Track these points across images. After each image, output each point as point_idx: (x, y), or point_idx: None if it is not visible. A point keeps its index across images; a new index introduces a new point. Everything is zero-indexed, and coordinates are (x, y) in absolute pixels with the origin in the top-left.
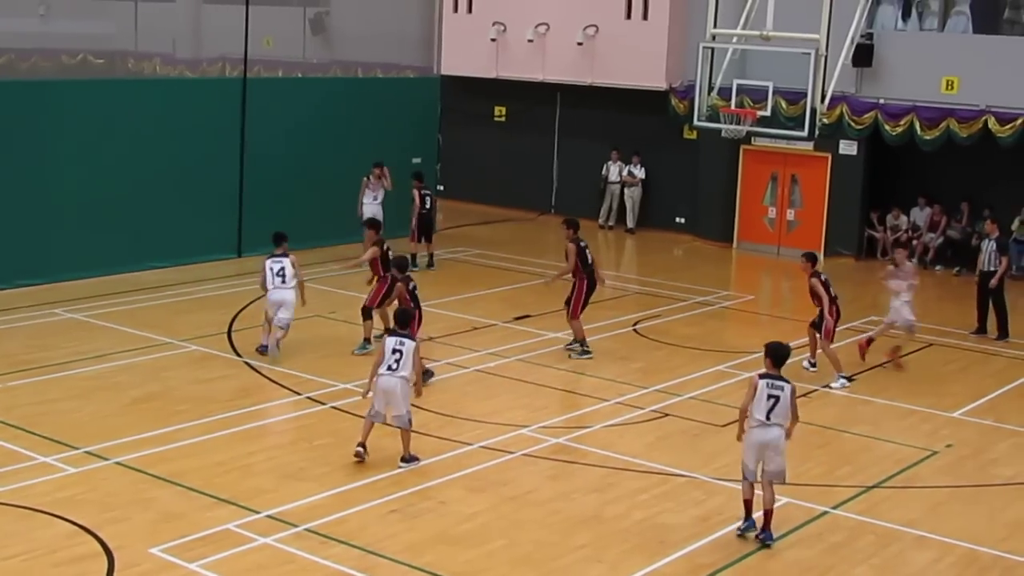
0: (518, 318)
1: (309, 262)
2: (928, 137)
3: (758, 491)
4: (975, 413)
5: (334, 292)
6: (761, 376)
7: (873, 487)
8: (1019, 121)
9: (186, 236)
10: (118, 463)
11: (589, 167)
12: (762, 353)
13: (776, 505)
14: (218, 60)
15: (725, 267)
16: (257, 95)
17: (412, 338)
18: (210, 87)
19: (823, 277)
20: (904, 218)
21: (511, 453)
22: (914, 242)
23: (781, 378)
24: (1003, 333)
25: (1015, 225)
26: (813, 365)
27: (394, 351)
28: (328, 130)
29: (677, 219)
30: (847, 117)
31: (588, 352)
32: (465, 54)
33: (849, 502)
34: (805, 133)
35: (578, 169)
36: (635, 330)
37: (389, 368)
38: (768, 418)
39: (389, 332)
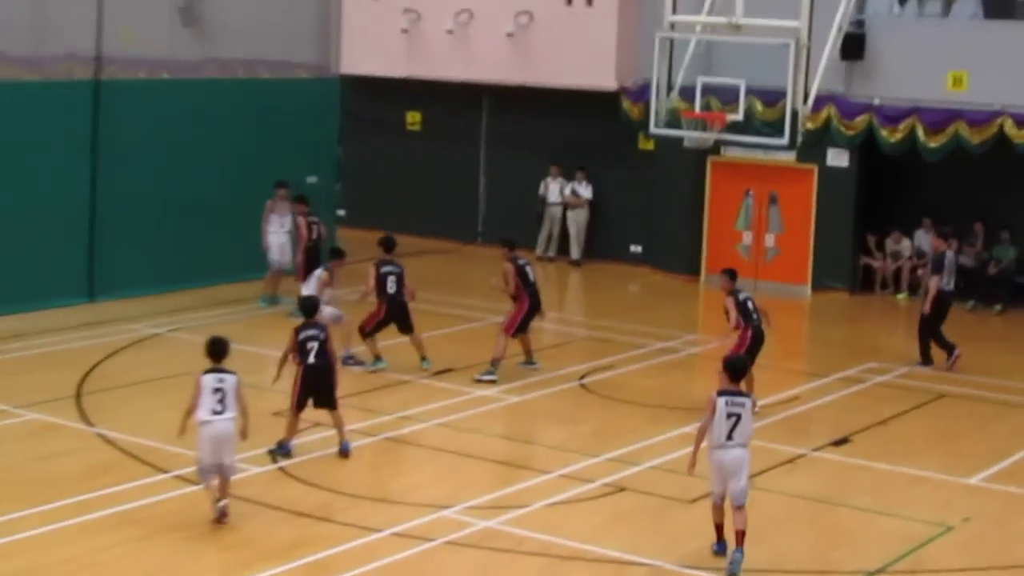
0: (438, 373)
1: (180, 307)
2: (933, 145)
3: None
4: (996, 479)
5: None
6: (720, 393)
7: (876, 573)
8: None
9: (23, 277)
10: None
11: (524, 186)
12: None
13: None
14: (63, 59)
15: (691, 306)
16: (112, 101)
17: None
18: (53, 92)
19: (741, 296)
20: (907, 242)
21: (431, 541)
22: (918, 271)
23: (740, 393)
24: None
25: None
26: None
27: (215, 390)
28: (202, 144)
29: (632, 248)
30: (836, 122)
31: (493, 374)
32: (370, 49)
33: None
34: (785, 141)
35: (510, 189)
36: (582, 384)
37: (214, 411)
38: (730, 438)
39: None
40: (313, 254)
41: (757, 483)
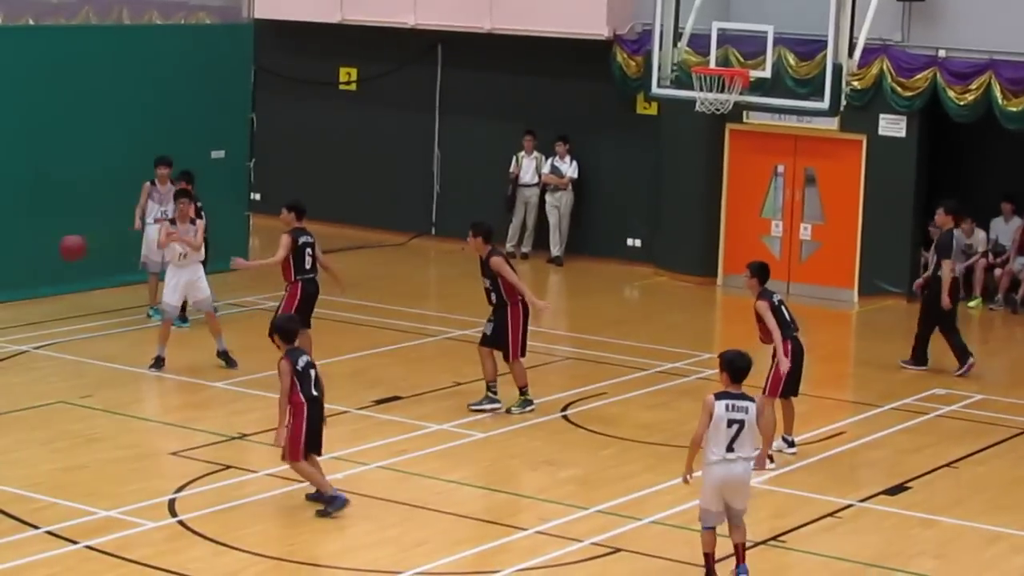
0: (380, 402)
1: (50, 316)
2: (1014, 109)
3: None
4: None
5: (89, 364)
6: (718, 396)
7: None
8: None
9: None
10: None
11: (489, 162)
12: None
13: None
14: None
15: (705, 316)
16: None
17: None
18: None
19: (775, 299)
20: (981, 234)
21: None
22: (996, 270)
23: (743, 396)
24: None
25: None
26: (791, 444)
27: None
28: (75, 111)
29: (630, 242)
30: (890, 79)
31: (531, 402)
32: None
33: None
34: (825, 104)
35: (472, 165)
36: (565, 417)
37: None
38: (731, 449)
39: None
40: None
41: (790, 542)
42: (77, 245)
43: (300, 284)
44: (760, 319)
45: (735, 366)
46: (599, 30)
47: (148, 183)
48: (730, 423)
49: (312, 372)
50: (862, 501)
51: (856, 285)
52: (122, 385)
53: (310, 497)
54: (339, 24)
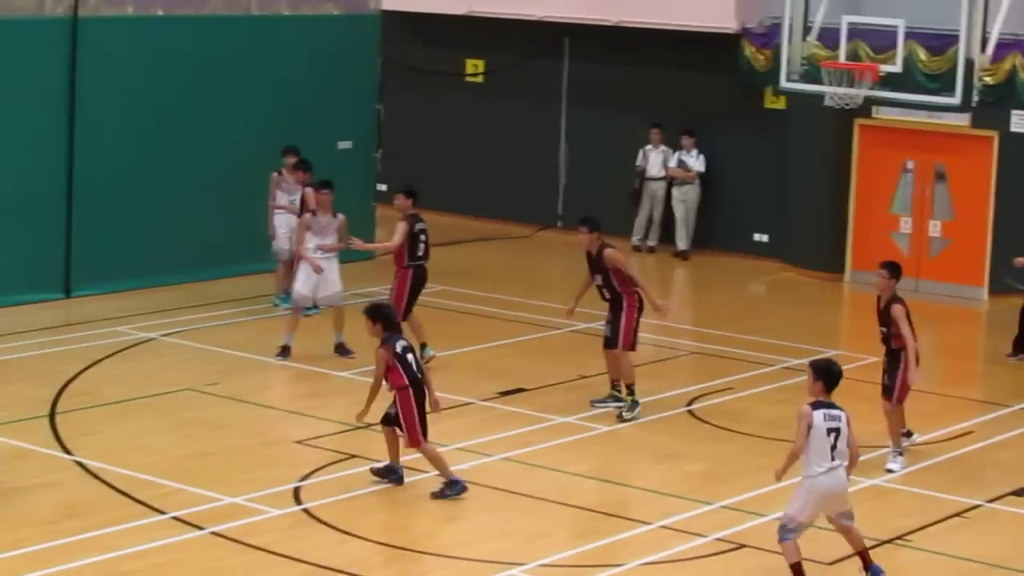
0: (505, 393)
1: (178, 304)
2: None
3: None
4: None
5: (215, 352)
6: (814, 407)
7: None
8: None
9: None
10: None
11: (616, 155)
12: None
13: None
14: None
15: (833, 311)
16: (94, 44)
17: None
18: (18, 32)
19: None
20: None
21: None
22: None
23: (834, 405)
24: None
25: None
26: (910, 435)
27: None
28: (207, 100)
29: (756, 237)
30: (1023, 75)
31: (638, 404)
32: None
33: None
34: (957, 100)
35: (599, 157)
36: (690, 411)
37: None
38: (834, 458)
39: None
40: None
41: (916, 541)
42: None
43: (411, 271)
44: (895, 323)
45: (832, 373)
46: (727, 23)
47: (275, 173)
48: (829, 432)
49: (410, 356)
50: (990, 502)
51: (986, 283)
52: (248, 373)
53: (375, 471)
54: (466, 16)
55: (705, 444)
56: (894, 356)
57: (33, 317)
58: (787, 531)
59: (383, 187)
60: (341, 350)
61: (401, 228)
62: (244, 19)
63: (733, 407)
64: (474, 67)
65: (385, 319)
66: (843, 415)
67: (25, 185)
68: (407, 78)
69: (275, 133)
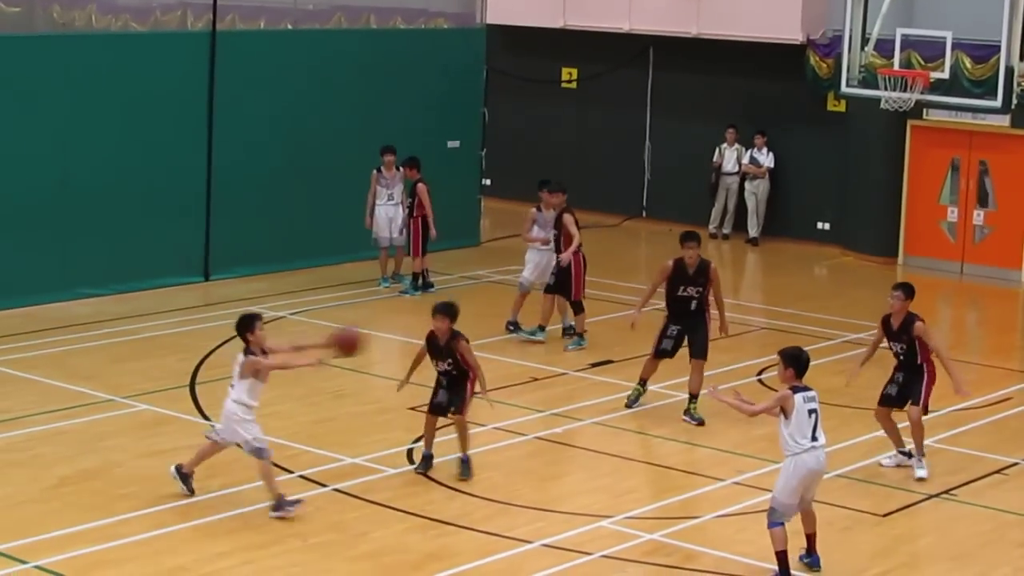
0: (595, 365)
1: (303, 286)
2: None
3: None
4: None
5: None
6: (794, 391)
7: None
8: None
9: (132, 253)
10: (39, 568)
11: (695, 153)
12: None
13: None
14: (177, 6)
15: (886, 292)
16: (231, 55)
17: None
18: (164, 44)
19: None
20: None
21: (587, 555)
22: None
23: (809, 388)
24: None
25: None
26: (908, 455)
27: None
28: (329, 104)
29: (819, 225)
30: None
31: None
32: None
33: None
34: (999, 103)
35: (679, 155)
36: (760, 381)
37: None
38: (815, 438)
39: None
40: (426, 227)
41: (961, 496)
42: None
43: (581, 254)
44: (924, 339)
45: (800, 360)
46: (794, 35)
47: (375, 171)
48: (810, 412)
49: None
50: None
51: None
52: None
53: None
54: (562, 29)
55: None
56: (915, 369)
57: (175, 299)
58: (776, 515)
59: (487, 182)
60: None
61: (573, 221)
62: (364, 32)
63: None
64: (569, 75)
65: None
66: (816, 395)
67: (169, 183)
68: (509, 85)
69: (392, 135)
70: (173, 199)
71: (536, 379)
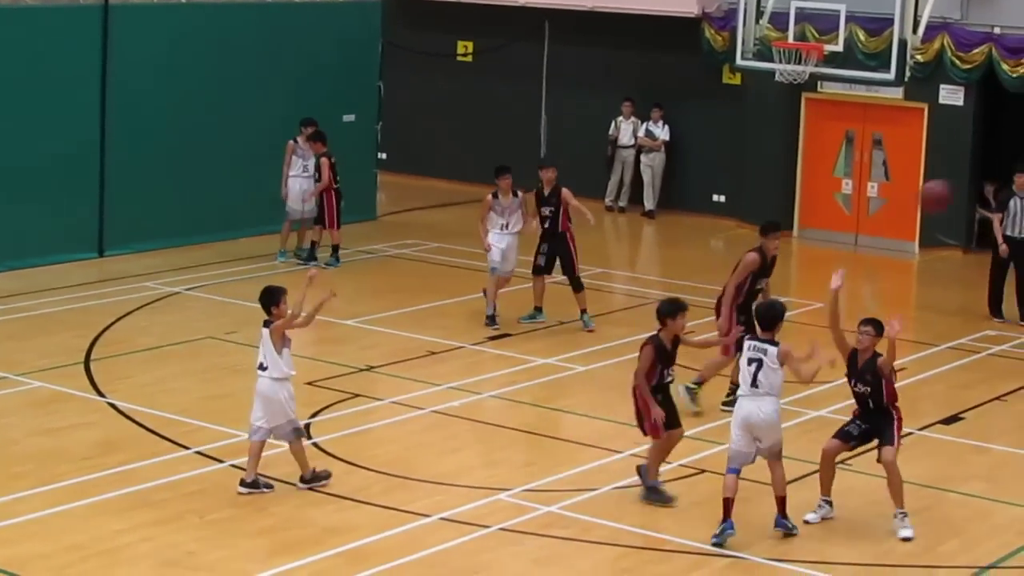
0: (492, 338)
1: (199, 262)
2: None
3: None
4: None
5: (233, 304)
6: (749, 338)
7: (989, 568)
8: None
9: (25, 229)
10: None
11: (591, 126)
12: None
13: None
14: None
15: (782, 264)
16: (124, 29)
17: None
18: (56, 18)
19: None
20: None
21: (484, 528)
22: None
23: (769, 341)
24: None
25: None
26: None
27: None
28: (227, 78)
29: (715, 197)
30: (950, 54)
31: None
32: None
33: None
34: (892, 76)
35: (575, 129)
36: None
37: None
38: (756, 385)
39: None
40: (339, 198)
41: (856, 466)
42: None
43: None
44: (890, 377)
45: (766, 315)
46: (690, 8)
47: (291, 141)
48: (750, 361)
49: None
50: (921, 430)
51: (917, 238)
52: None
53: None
54: (458, 2)
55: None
56: (883, 411)
57: (70, 275)
58: (729, 461)
59: (383, 155)
60: (491, 321)
61: (570, 192)
62: (260, 6)
63: (696, 350)
64: (465, 48)
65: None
66: (772, 349)
67: (62, 158)
68: (406, 58)
69: (288, 108)
70: (67, 174)
71: (433, 353)
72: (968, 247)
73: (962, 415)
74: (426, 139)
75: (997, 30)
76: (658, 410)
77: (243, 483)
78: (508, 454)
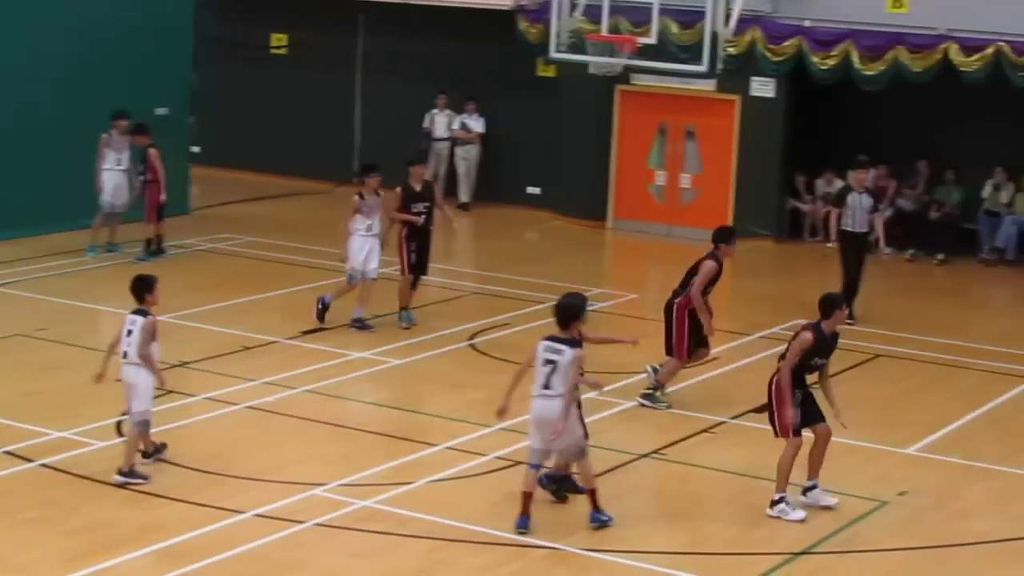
0: (307, 332)
1: (9, 258)
2: (869, 72)
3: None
4: (937, 448)
5: (43, 300)
6: (546, 338)
7: (802, 553)
8: (990, 50)
9: None
10: None
11: (406, 118)
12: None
13: None
14: None
15: (597, 255)
16: None
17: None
18: None
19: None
20: (840, 183)
21: (300, 523)
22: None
23: (564, 340)
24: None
25: (986, 191)
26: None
27: (128, 332)
28: (36, 70)
29: (530, 189)
30: (761, 46)
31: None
32: None
33: (772, 575)
34: (704, 68)
35: (390, 121)
36: (472, 346)
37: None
38: (548, 387)
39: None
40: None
41: (671, 455)
42: None
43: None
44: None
45: (562, 312)
46: (504, 1)
47: (105, 135)
48: (546, 362)
49: None
50: (734, 418)
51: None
52: (75, 319)
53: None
54: None
55: (486, 374)
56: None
57: None
58: (529, 457)
59: (196, 149)
60: (360, 324)
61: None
62: None
63: (510, 340)
64: (279, 40)
65: None
66: (568, 352)
67: None
68: (219, 50)
69: (98, 101)
70: None
71: (247, 348)
72: (780, 237)
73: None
74: (240, 132)
75: (807, 23)
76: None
77: (120, 472)
78: (323, 448)
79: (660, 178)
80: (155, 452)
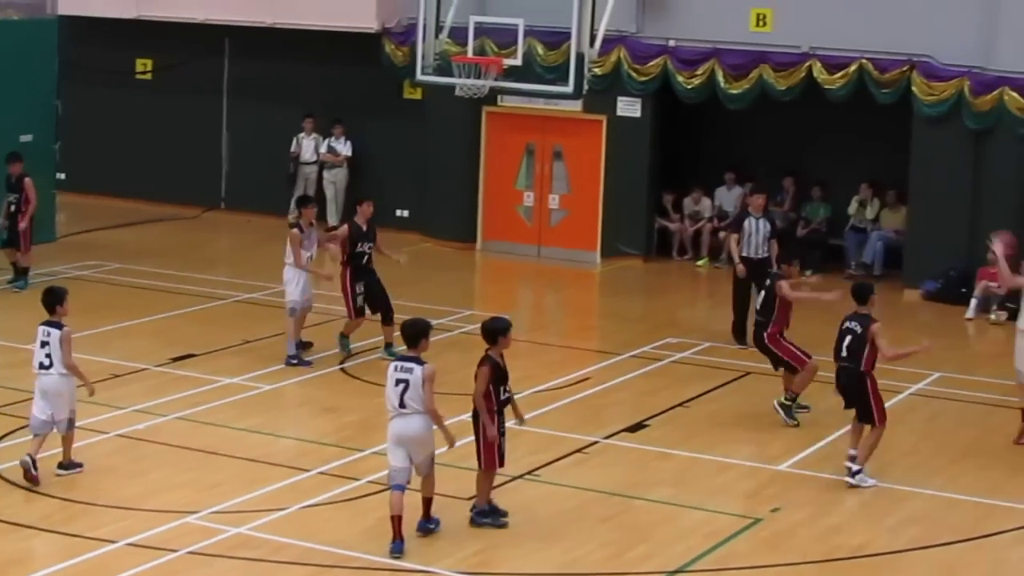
0: (177, 359)
1: None
2: (735, 91)
3: None
4: (809, 463)
5: None
6: (397, 357)
7: (677, 572)
8: (853, 68)
9: None
10: None
11: (273, 142)
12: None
13: None
14: None
15: (466, 277)
16: None
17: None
18: None
19: None
20: (707, 202)
21: (173, 552)
22: (720, 234)
23: (412, 359)
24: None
25: (852, 208)
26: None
27: (42, 343)
28: None
29: (398, 212)
30: (626, 66)
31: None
32: None
33: None
34: (570, 88)
35: (257, 145)
36: (343, 370)
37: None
38: (403, 406)
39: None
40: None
41: (544, 476)
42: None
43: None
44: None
45: (402, 330)
46: (369, 23)
47: None
48: (397, 382)
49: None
50: (607, 438)
51: (599, 248)
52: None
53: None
54: (135, 19)
55: (357, 397)
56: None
57: None
58: (391, 479)
59: (62, 176)
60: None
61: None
62: None
63: (381, 364)
64: (144, 65)
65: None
66: (417, 369)
67: None
68: (83, 76)
69: None
70: None
71: (116, 375)
72: (648, 256)
73: (647, 422)
74: (106, 158)
75: (672, 42)
76: (493, 430)
77: (61, 466)
78: (195, 476)
79: (528, 199)
80: (71, 466)
